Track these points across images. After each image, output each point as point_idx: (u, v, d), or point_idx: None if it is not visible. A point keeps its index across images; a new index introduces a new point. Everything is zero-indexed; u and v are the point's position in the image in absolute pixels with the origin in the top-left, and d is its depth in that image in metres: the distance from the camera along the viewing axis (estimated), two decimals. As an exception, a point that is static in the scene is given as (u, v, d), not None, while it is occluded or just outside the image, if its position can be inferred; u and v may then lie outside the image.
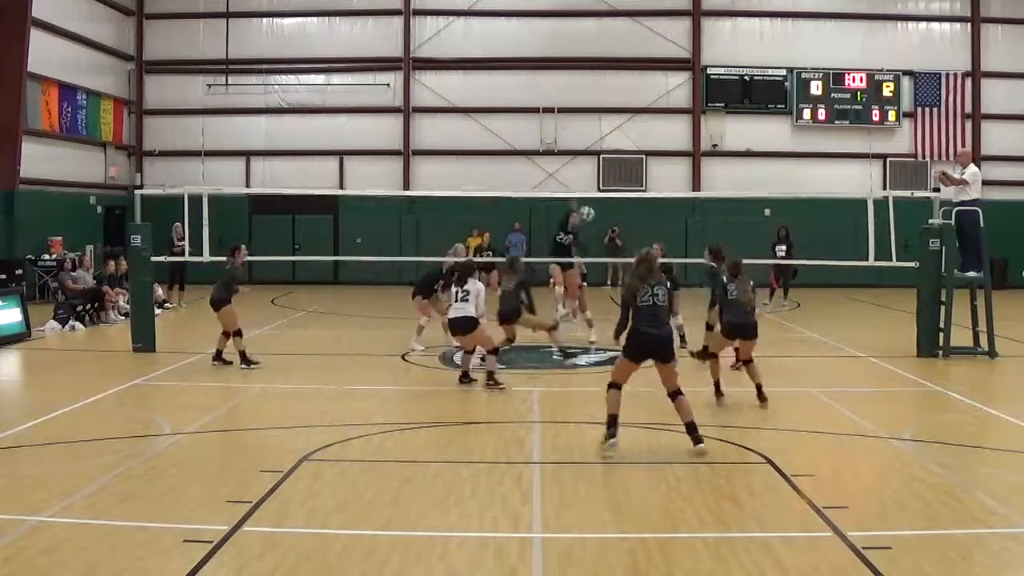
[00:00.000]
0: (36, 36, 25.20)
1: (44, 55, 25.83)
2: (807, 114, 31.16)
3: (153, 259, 16.29)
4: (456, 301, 12.90)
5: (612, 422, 9.22)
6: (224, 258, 14.80)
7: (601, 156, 31.26)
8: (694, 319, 15.53)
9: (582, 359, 15.09)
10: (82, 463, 8.76)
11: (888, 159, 31.26)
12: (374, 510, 7.45)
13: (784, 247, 23.36)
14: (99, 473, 8.36)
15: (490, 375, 12.66)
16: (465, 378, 12.85)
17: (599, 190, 30.50)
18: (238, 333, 14.14)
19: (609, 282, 28.74)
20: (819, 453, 9.50)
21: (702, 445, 9.06)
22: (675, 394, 9.26)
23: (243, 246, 15.16)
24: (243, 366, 13.95)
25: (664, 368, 9.27)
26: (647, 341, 9.15)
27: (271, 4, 32.03)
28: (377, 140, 31.67)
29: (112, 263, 21.55)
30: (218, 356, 14.35)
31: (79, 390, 12.27)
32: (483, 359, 13.10)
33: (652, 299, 9.17)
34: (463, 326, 12.81)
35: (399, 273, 29.58)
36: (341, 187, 31.38)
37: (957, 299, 15.60)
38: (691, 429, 9.15)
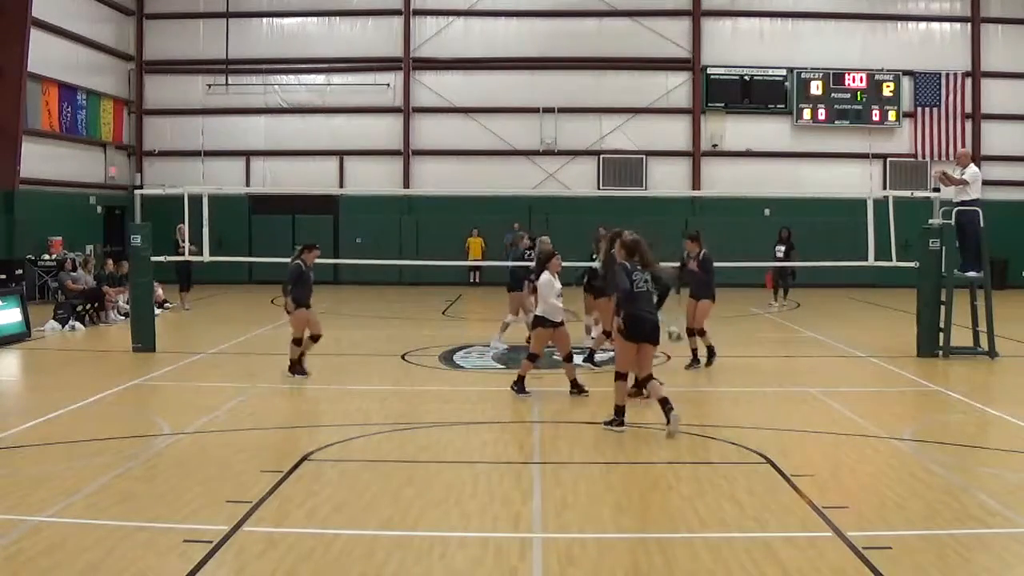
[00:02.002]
0: (36, 36, 25.21)
1: (44, 55, 25.84)
2: (807, 114, 31.18)
3: (153, 259, 16.27)
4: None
5: (620, 412, 10.08)
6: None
7: (601, 156, 31.27)
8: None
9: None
10: (82, 463, 8.76)
11: (888, 159, 31.27)
12: (374, 510, 7.45)
13: (783, 248, 23.26)
14: (99, 473, 8.36)
15: (518, 379, 12.14)
16: (517, 386, 12.12)
17: (599, 190, 30.54)
18: (314, 338, 13.52)
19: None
20: (819, 453, 9.49)
21: (675, 413, 9.86)
22: (647, 379, 10.29)
23: (316, 246, 14.06)
24: (289, 372, 13.40)
25: (648, 350, 10.20)
26: (642, 325, 10.05)
27: (271, 4, 32.05)
28: (377, 140, 31.69)
29: (111, 262, 21.54)
30: (296, 365, 13.57)
31: (79, 390, 12.27)
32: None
33: (645, 285, 10.13)
34: (532, 324, 12.35)
35: (399, 273, 29.62)
36: (341, 187, 31.40)
37: (957, 299, 15.60)
38: (664, 403, 9.94)
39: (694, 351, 14.29)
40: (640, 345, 10.15)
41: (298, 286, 13.50)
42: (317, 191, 31.16)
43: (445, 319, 21.85)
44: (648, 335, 10.11)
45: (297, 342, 13.50)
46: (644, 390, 11.20)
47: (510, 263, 16.93)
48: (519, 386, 12.07)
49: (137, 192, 17.89)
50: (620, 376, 10.18)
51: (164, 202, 19.19)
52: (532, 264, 16.20)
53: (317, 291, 29.49)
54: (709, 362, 14.23)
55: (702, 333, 14.22)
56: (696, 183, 31.04)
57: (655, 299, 10.48)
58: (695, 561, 6.34)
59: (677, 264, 14.30)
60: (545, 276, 12.00)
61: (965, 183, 15.57)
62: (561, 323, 11.96)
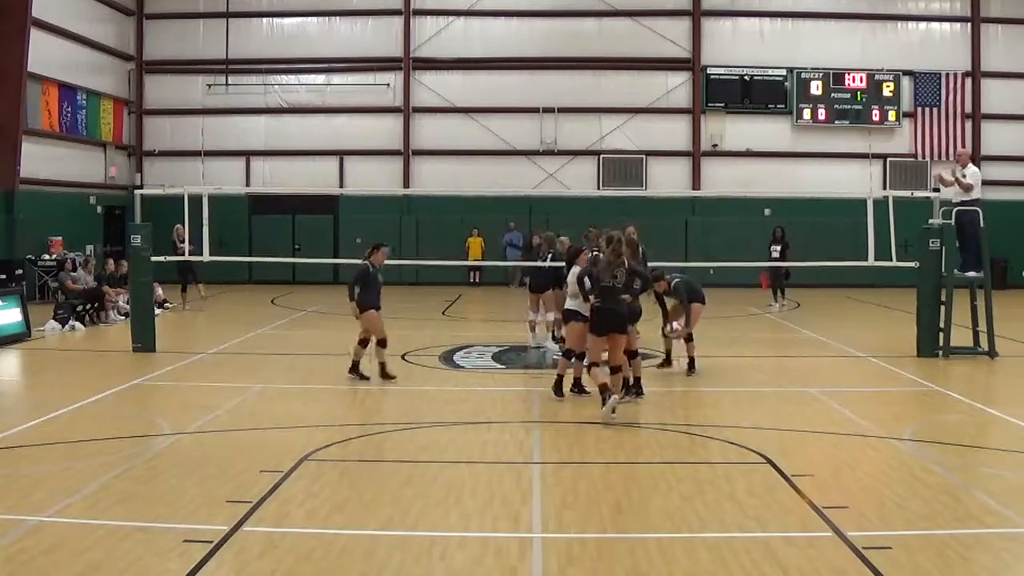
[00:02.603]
0: (36, 36, 25.20)
1: (44, 55, 25.83)
2: (807, 114, 31.15)
3: (153, 259, 16.26)
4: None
5: (605, 388, 10.61)
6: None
7: (601, 156, 31.26)
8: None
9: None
10: (82, 463, 8.76)
11: (888, 159, 31.25)
12: (374, 510, 7.45)
13: (779, 247, 23.08)
14: (99, 473, 8.36)
15: (575, 381, 11.93)
16: (558, 390, 11.83)
17: (599, 190, 30.53)
18: (381, 343, 12.93)
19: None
20: (819, 453, 9.50)
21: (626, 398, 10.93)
22: (616, 368, 10.89)
23: (384, 245, 13.52)
24: (350, 374, 13.00)
25: (618, 340, 10.85)
26: (606, 317, 10.74)
27: (271, 4, 32.04)
28: (377, 140, 31.67)
29: (112, 262, 21.54)
30: (354, 368, 13.11)
31: (79, 390, 12.27)
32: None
33: (612, 282, 10.76)
34: (564, 318, 12.11)
35: (399, 273, 29.60)
36: (341, 187, 31.40)
37: (957, 299, 15.60)
38: (603, 388, 10.67)
39: (668, 352, 13.90)
40: (609, 336, 10.82)
41: (365, 288, 12.99)
42: (317, 191, 31.16)
43: (445, 319, 21.86)
44: (613, 327, 10.80)
45: (382, 343, 12.95)
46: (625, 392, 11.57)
47: (543, 264, 16.16)
48: (578, 387, 11.86)
49: (137, 192, 17.89)
50: (594, 364, 10.83)
51: (164, 202, 19.20)
52: (544, 264, 16.12)
53: (317, 291, 29.60)
54: (690, 370, 13.56)
55: (689, 338, 13.58)
56: (696, 183, 31.01)
57: (628, 294, 11.02)
58: (695, 561, 6.34)
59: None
60: (579, 271, 11.78)
61: (971, 187, 15.57)
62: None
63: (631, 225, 13.31)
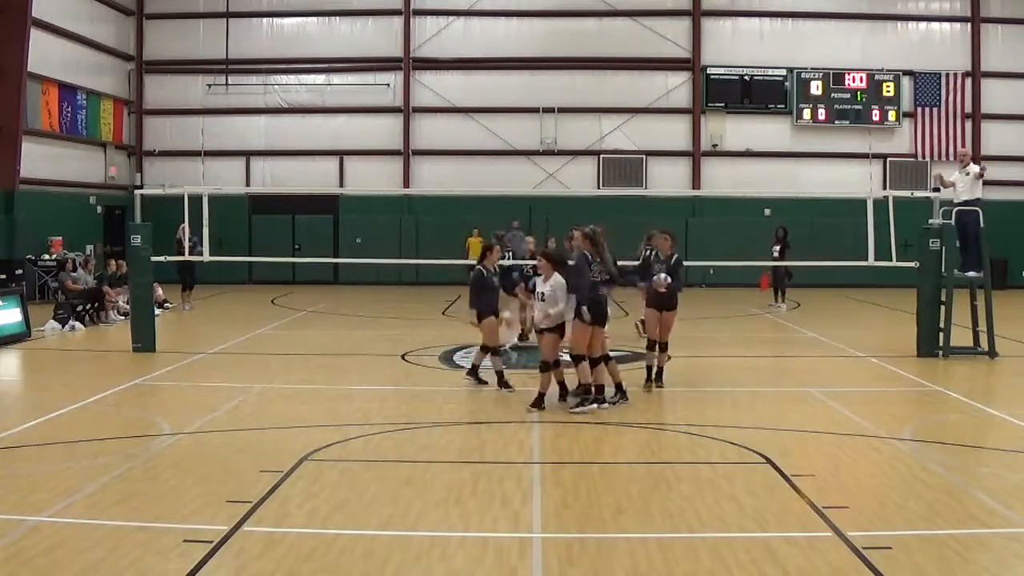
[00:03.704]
0: (36, 36, 25.21)
1: (44, 55, 25.85)
2: (807, 114, 31.16)
3: (153, 259, 16.25)
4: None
5: (588, 390, 11.04)
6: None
7: (601, 156, 31.27)
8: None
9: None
10: (82, 463, 8.76)
11: (888, 159, 31.27)
12: (374, 510, 7.45)
13: (778, 248, 22.90)
14: (99, 473, 8.36)
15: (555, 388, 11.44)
16: (564, 396, 11.48)
17: (599, 190, 30.54)
18: (489, 350, 12.55)
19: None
20: (819, 453, 9.49)
21: (584, 406, 10.89)
22: (597, 360, 11.12)
23: (496, 247, 13.09)
24: (499, 388, 12.37)
25: (600, 332, 11.13)
26: (602, 309, 11.09)
27: (271, 4, 32.05)
28: (377, 140, 31.68)
29: (112, 263, 21.55)
30: (472, 371, 12.82)
31: (79, 390, 12.27)
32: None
33: (601, 275, 11.08)
34: (537, 331, 11.74)
35: (399, 273, 29.65)
36: (341, 187, 31.42)
37: (957, 299, 15.60)
38: (587, 390, 11.07)
39: (649, 368, 12.64)
40: (595, 328, 11.06)
41: (482, 293, 12.50)
42: (317, 191, 31.19)
43: (445, 319, 21.84)
44: (604, 318, 11.18)
45: (485, 350, 12.59)
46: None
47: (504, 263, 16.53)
48: (564, 390, 11.52)
49: (137, 192, 17.88)
50: (580, 358, 11.04)
51: (164, 202, 19.20)
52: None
53: (317, 291, 29.56)
54: (658, 382, 12.57)
55: (665, 347, 12.56)
56: (696, 183, 31.04)
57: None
58: (695, 561, 6.34)
59: (638, 263, 14.08)
60: (558, 280, 11.54)
61: (982, 175, 15.65)
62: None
63: (600, 227, 12.76)
